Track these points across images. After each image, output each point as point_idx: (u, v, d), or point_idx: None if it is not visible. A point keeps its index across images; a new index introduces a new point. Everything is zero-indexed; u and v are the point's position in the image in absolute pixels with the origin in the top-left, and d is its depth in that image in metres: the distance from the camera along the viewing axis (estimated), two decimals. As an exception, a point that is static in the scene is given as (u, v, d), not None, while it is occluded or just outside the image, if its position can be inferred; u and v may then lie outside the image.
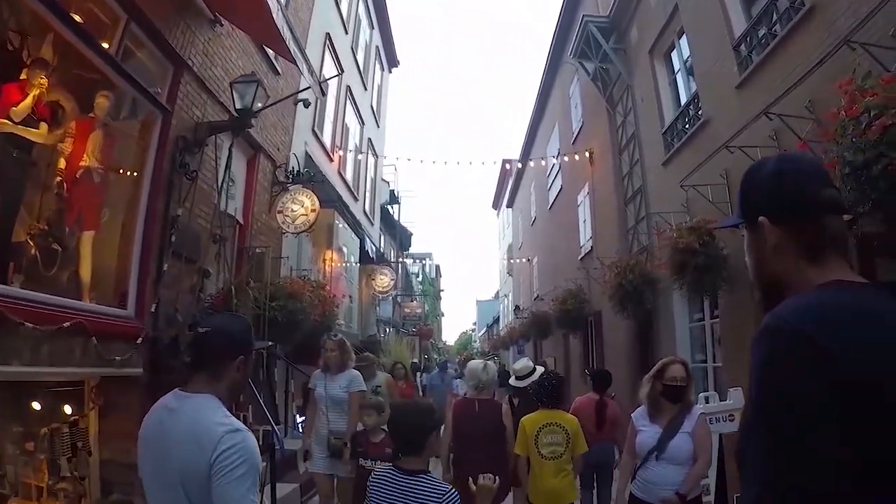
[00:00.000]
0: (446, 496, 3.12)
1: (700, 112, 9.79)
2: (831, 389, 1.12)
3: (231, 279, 7.74)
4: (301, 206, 10.62)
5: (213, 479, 2.13)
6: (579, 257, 17.61)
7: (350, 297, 16.75)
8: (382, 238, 25.85)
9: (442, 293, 74.17)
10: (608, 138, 14.81)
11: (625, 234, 13.43)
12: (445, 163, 17.21)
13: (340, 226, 14.23)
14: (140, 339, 6.27)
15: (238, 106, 7.91)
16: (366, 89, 20.45)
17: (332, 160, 15.80)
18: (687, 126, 10.36)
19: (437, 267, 71.88)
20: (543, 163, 21.99)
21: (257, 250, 9.86)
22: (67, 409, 5.92)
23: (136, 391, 6.29)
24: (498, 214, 47.56)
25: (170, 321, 6.84)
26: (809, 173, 1.45)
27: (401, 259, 31.47)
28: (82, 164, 5.94)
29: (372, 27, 21.97)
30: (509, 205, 38.08)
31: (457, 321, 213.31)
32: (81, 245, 5.99)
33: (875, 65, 5.04)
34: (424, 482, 3.19)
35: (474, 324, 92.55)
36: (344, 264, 15.65)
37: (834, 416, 1.11)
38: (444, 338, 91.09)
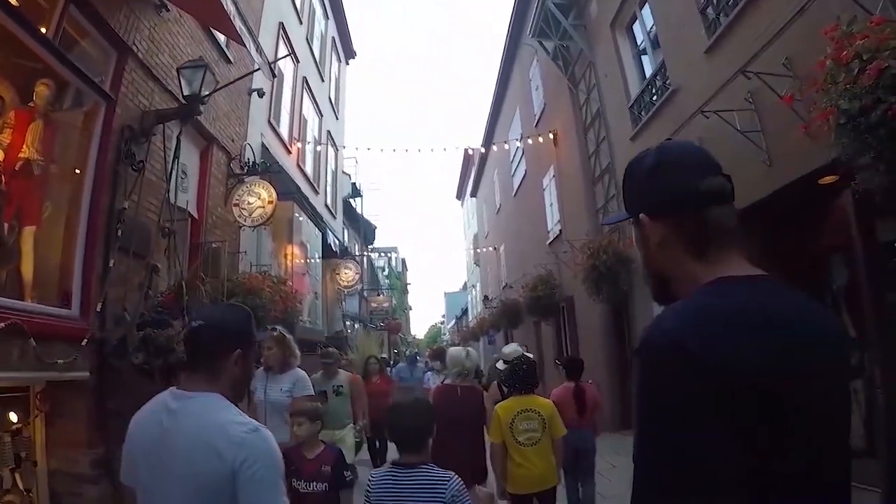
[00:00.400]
0: (451, 481, 3.15)
1: (668, 82, 9.54)
2: (708, 397, 1.08)
3: (182, 275, 7.24)
4: (258, 198, 10.16)
5: (240, 486, 1.98)
6: (548, 242, 17.35)
7: (315, 293, 16.29)
8: (346, 232, 25.32)
9: (409, 286, 74.15)
10: (572, 118, 14.53)
11: (594, 214, 13.14)
12: (406, 150, 16.80)
13: (301, 219, 13.73)
14: (85, 340, 5.87)
15: (186, 92, 7.53)
16: (323, 81, 19.95)
17: (290, 152, 15.31)
18: (655, 98, 10.11)
19: (403, 261, 71.72)
20: (507, 146, 21.66)
21: (213, 245, 9.39)
22: (13, 417, 5.51)
23: (84, 396, 5.99)
24: (462, 205, 47.27)
25: (117, 321, 6.42)
26: (689, 163, 1.37)
27: (365, 253, 31.00)
28: (21, 156, 5.60)
29: (327, 17, 21.48)
30: (473, 194, 37.75)
31: (425, 314, 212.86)
32: (22, 241, 5.65)
33: (858, 11, 4.76)
34: (426, 472, 3.21)
35: (443, 316, 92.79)
36: (306, 259, 15.16)
37: (714, 425, 1.07)
38: (413, 331, 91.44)
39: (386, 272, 47.29)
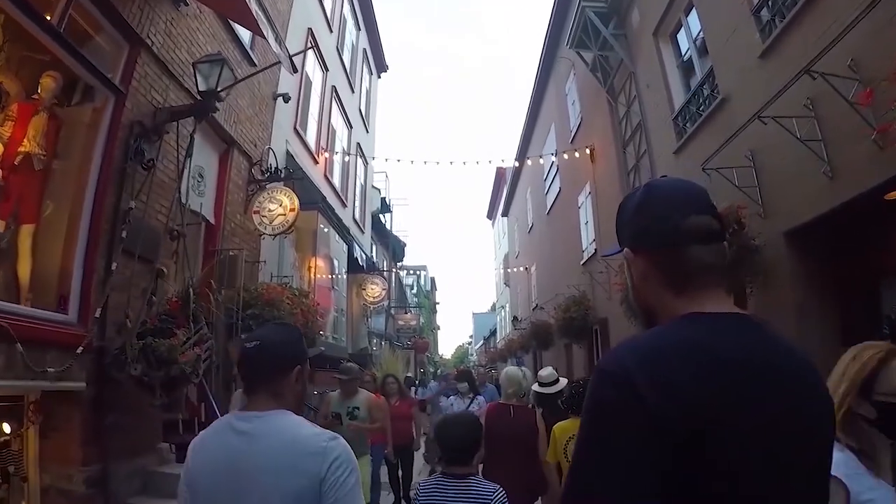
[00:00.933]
0: (497, 493, 3.34)
1: (717, 90, 8.90)
2: (642, 426, 1.12)
3: (191, 281, 6.74)
4: (279, 205, 9.70)
5: (325, 492, 2.01)
6: (581, 262, 16.66)
7: (339, 308, 15.77)
8: (374, 248, 24.85)
9: (437, 306, 73.63)
10: (610, 132, 13.91)
11: (633, 233, 12.50)
12: (438, 163, 16.23)
13: (326, 230, 13.23)
14: (81, 348, 5.46)
15: (202, 88, 7.08)
16: (353, 92, 19.60)
17: (316, 162, 14.90)
18: (702, 108, 9.47)
19: (433, 279, 71.28)
20: (542, 160, 21.05)
21: (230, 253, 8.91)
22: (6, 428, 5.22)
23: (80, 408, 5.60)
24: (493, 224, 46.80)
25: (118, 328, 5.97)
26: (675, 202, 1.37)
27: (394, 269, 30.49)
28: (22, 150, 5.33)
29: (358, 28, 21.17)
30: (504, 213, 37.22)
31: (453, 334, 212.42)
32: (19, 240, 5.44)
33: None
34: (475, 483, 3.41)
35: (471, 337, 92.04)
36: (331, 273, 14.66)
37: (642, 454, 1.12)
38: (440, 351, 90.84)
39: (414, 290, 46.69)
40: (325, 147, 15.76)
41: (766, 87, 6.95)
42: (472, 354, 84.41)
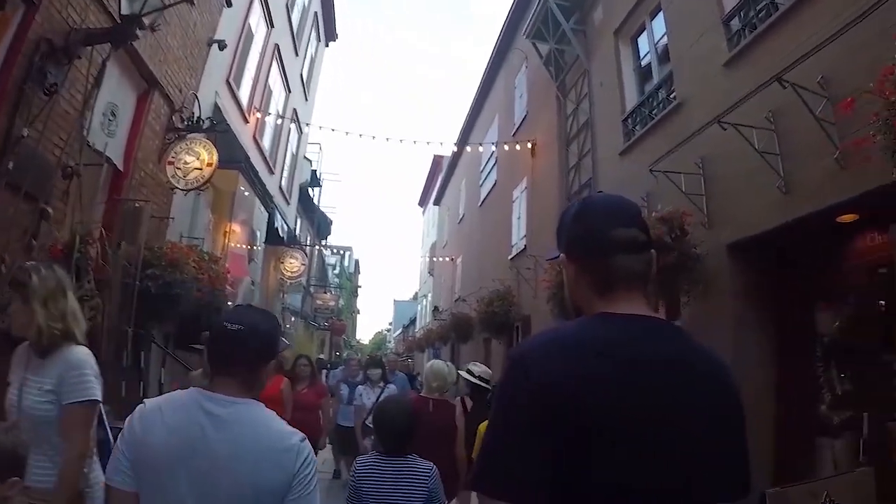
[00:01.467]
0: (433, 471, 3.52)
1: (673, 94, 8.59)
2: (532, 410, 1.27)
3: (78, 228, 5.98)
4: (196, 158, 8.91)
5: (293, 489, 2.00)
6: (510, 257, 16.31)
7: (254, 280, 14.96)
8: (299, 221, 23.96)
9: (359, 289, 72.83)
10: (555, 128, 13.55)
11: (567, 232, 12.14)
12: (374, 137, 15.55)
13: (246, 194, 12.42)
14: None
15: (125, 11, 6.27)
16: (297, 55, 18.70)
17: (247, 121, 14.05)
18: (655, 111, 9.15)
19: (357, 262, 70.43)
20: (481, 149, 20.56)
21: (136, 205, 8.11)
22: None
23: None
24: (424, 212, 46.23)
25: (-8, 272, 5.17)
26: (605, 215, 1.53)
27: (318, 246, 29.61)
28: None
29: (312, -11, 20.19)
30: (436, 202, 36.58)
31: (373, 320, 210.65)
32: None
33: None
34: (412, 462, 3.53)
35: (390, 324, 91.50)
36: (249, 243, 13.86)
37: (528, 435, 1.27)
38: (358, 336, 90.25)
39: (337, 270, 45.83)
40: (258, 107, 14.92)
41: (726, 96, 6.72)
42: (390, 342, 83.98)
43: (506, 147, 16.73)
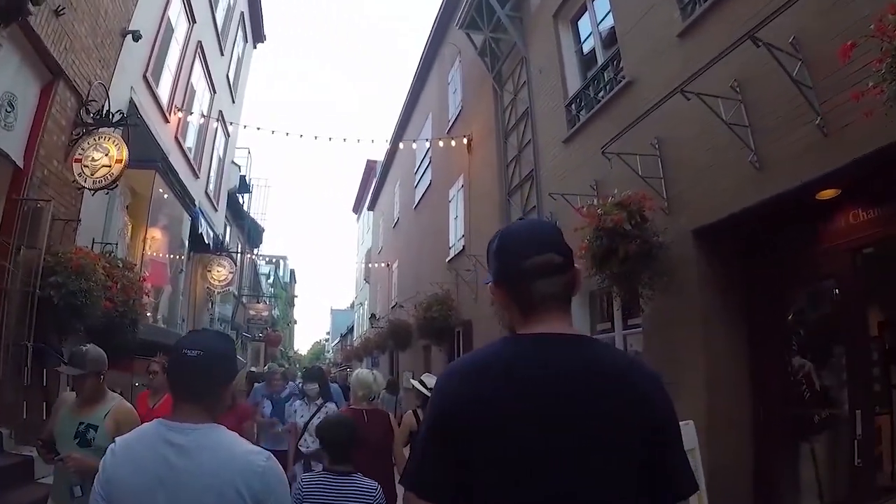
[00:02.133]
0: (377, 490, 3.66)
1: (621, 74, 8.18)
2: (437, 425, 1.53)
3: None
4: (105, 154, 8.14)
5: None
6: (447, 259, 15.81)
7: (179, 290, 14.09)
8: (229, 229, 23.02)
9: (296, 299, 71.65)
10: (492, 121, 13.08)
11: (508, 229, 11.66)
12: (301, 136, 14.79)
13: (165, 196, 11.59)
14: None
15: (14, -17, 5.56)
16: (222, 55, 17.92)
17: (167, 120, 13.21)
18: (601, 93, 8.74)
19: (293, 271, 69.34)
20: (415, 146, 19.97)
21: (38, 205, 7.35)
22: None
23: None
24: (358, 219, 45.44)
25: None
26: (521, 245, 1.65)
27: (249, 255, 28.58)
28: None
29: (237, -13, 19.39)
30: (371, 207, 35.79)
31: (311, 330, 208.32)
32: None
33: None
34: (357, 480, 3.66)
35: (328, 333, 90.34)
36: (171, 250, 13.01)
37: (433, 448, 1.52)
38: (296, 346, 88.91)
39: (271, 280, 44.63)
40: (179, 106, 14.09)
41: (683, 67, 6.30)
42: (328, 351, 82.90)
43: (440, 143, 16.20)
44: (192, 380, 2.13)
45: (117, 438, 2.14)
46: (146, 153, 10.33)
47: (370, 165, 36.30)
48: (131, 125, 8.90)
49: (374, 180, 33.30)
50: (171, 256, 13.03)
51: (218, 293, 17.16)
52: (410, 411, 6.36)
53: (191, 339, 2.23)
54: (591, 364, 1.53)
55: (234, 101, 20.09)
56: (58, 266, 7.00)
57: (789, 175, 5.07)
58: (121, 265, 8.80)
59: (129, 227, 10.85)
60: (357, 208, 44.85)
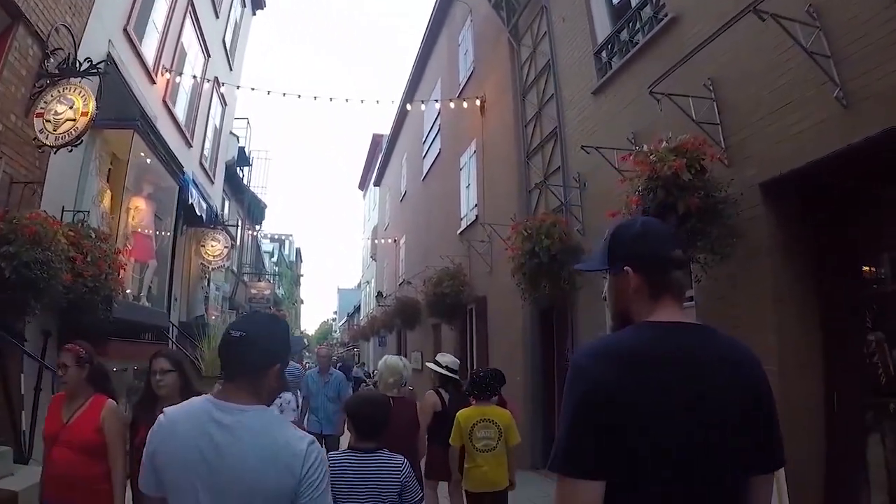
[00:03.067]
0: (404, 465, 3.58)
1: (663, 11, 7.01)
2: (588, 404, 1.55)
3: None
4: (69, 107, 7.11)
5: (301, 494, 2.06)
6: (459, 231, 14.74)
7: (168, 266, 13.05)
8: (227, 204, 21.95)
9: (301, 278, 71.04)
10: (508, 79, 11.94)
11: (526, 193, 10.52)
12: (299, 96, 13.64)
13: (149, 161, 10.49)
14: None
15: None
16: (217, 17, 16.79)
17: (153, 81, 12.13)
18: (638, 35, 7.64)
19: (298, 250, 68.71)
20: (423, 107, 18.80)
21: (-11, 165, 6.36)
22: None
23: None
24: (364, 195, 44.37)
25: None
26: (664, 236, 1.82)
27: (251, 232, 27.50)
28: None
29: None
30: (377, 183, 34.72)
31: (319, 310, 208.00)
32: None
33: None
34: (383, 456, 3.59)
35: (335, 313, 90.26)
36: (159, 225, 11.95)
37: (585, 425, 1.54)
38: (303, 326, 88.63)
39: (275, 258, 43.68)
40: (168, 67, 13.00)
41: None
42: (335, 331, 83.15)
43: (451, 105, 15.04)
44: (234, 361, 2.19)
45: (167, 410, 2.19)
46: (121, 108, 9.27)
47: (376, 140, 35.35)
48: (102, 74, 7.83)
49: (381, 155, 32.21)
50: (159, 233, 11.95)
51: (213, 269, 16.08)
52: (432, 390, 6.36)
53: (240, 319, 2.37)
54: (721, 352, 1.67)
55: (231, 69, 18.93)
56: (11, 234, 6.00)
57: (888, 112, 4.01)
58: (93, 235, 7.82)
59: (109, 196, 9.78)
60: (363, 185, 43.85)
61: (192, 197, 12.38)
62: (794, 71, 4.81)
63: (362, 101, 13.34)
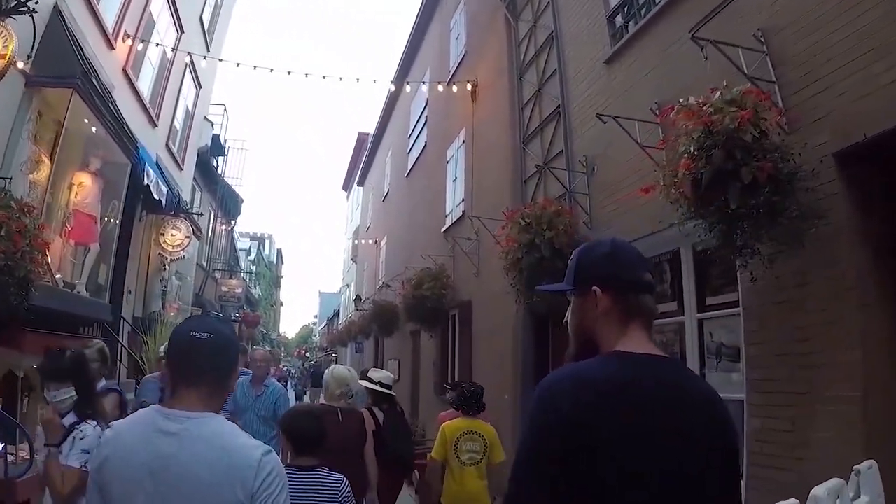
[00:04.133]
0: (343, 483, 3.55)
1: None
2: (554, 439, 1.47)
3: None
4: (-19, 49, 5.87)
5: None
6: (443, 229, 13.49)
7: (105, 249, 11.73)
8: (199, 194, 20.56)
9: (281, 280, 69.96)
10: (504, 60, 10.73)
11: (521, 185, 9.29)
12: (289, 73, 12.53)
13: (94, 130, 9.18)
14: None
15: None
16: (193, -11, 15.59)
17: (112, 47, 10.89)
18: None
19: (280, 251, 67.58)
20: (408, 88, 17.63)
21: None
22: None
23: None
24: (348, 196, 43.14)
25: None
26: (635, 258, 1.76)
27: (224, 226, 26.11)
28: None
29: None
30: (360, 182, 33.52)
31: (300, 314, 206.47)
32: None
33: None
34: (322, 475, 3.54)
35: (315, 317, 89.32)
36: (101, 199, 10.65)
37: (554, 455, 1.45)
38: (282, 329, 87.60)
39: (252, 256, 42.32)
40: (131, 34, 11.76)
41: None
42: (315, 335, 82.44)
43: (440, 88, 13.87)
44: (202, 364, 2.06)
45: (113, 424, 2.15)
46: (59, 63, 8.02)
47: (361, 138, 34.23)
48: (32, 12, 6.62)
49: (365, 153, 31.02)
50: (107, 216, 10.64)
51: (171, 260, 14.67)
52: (365, 410, 5.89)
53: (196, 322, 2.21)
54: (698, 388, 1.67)
55: (208, 49, 17.64)
56: None
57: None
58: (13, 206, 6.54)
59: (48, 167, 8.47)
60: (347, 185, 42.62)
61: (148, 178, 11.06)
62: (875, 10, 3.71)
63: (357, 80, 12.19)
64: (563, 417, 1.46)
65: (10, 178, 7.25)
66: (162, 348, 5.75)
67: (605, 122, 5.95)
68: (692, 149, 3.82)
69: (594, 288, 1.69)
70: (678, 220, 4.18)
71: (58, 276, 8.37)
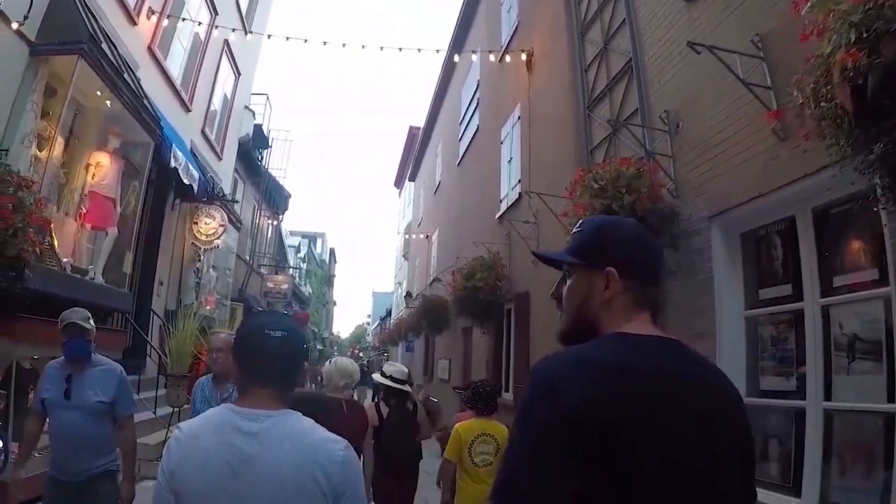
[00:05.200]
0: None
1: None
2: (562, 427, 1.25)
3: None
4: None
5: (339, 501, 1.91)
6: (498, 214, 12.35)
7: (123, 233, 10.92)
8: (242, 186, 19.88)
9: (334, 279, 69.92)
10: (563, 21, 9.51)
11: (587, 156, 8.07)
12: (344, 45, 11.74)
13: (109, 103, 8.32)
14: None
15: None
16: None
17: (134, 23, 10.12)
18: None
19: (332, 250, 67.47)
20: (457, 59, 17.04)
21: None
22: None
23: None
24: (400, 193, 42.48)
25: None
26: (656, 247, 1.67)
27: (271, 221, 25.44)
28: None
29: None
30: (412, 177, 32.82)
31: (354, 313, 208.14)
32: None
33: None
34: None
35: (368, 316, 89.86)
36: (121, 178, 9.81)
37: (565, 450, 1.24)
38: (335, 329, 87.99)
39: (302, 254, 41.83)
40: (157, 10, 11.00)
41: None
42: (369, 335, 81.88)
43: (491, 58, 12.92)
44: (276, 363, 2.02)
45: (181, 425, 2.03)
46: (63, 28, 7.27)
47: (412, 132, 33.50)
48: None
49: (416, 147, 30.25)
50: (128, 191, 9.80)
51: (204, 250, 13.90)
52: (372, 404, 6.21)
53: (268, 319, 2.14)
54: (717, 373, 1.51)
55: (246, 33, 16.84)
56: None
57: None
58: (12, 181, 5.92)
59: (56, 143, 7.63)
60: (399, 181, 41.97)
61: (176, 160, 10.22)
62: None
63: (419, 50, 11.51)
64: (572, 408, 1.26)
65: (7, 151, 6.45)
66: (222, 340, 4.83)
67: (698, 53, 4.75)
68: (852, 36, 2.64)
69: (610, 269, 1.52)
70: (829, 158, 2.97)
71: (65, 259, 7.54)
